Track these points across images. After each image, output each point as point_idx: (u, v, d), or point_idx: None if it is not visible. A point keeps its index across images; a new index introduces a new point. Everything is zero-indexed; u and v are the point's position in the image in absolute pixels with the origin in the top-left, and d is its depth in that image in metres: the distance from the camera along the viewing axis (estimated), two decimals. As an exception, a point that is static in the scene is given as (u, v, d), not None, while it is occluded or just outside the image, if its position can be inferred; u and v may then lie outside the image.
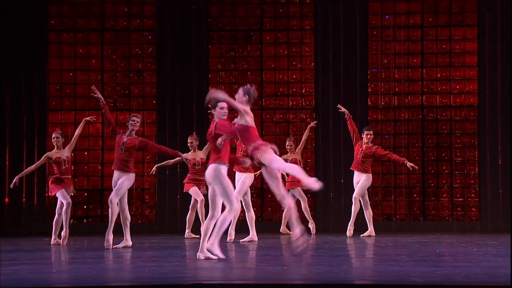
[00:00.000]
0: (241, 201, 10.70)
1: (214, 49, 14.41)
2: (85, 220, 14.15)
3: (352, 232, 11.77)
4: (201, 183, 11.78)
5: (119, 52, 14.33)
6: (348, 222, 11.82)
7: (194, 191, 11.90)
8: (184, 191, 12.14)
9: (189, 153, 12.09)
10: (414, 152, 14.12)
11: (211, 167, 8.07)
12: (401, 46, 14.17)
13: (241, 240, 10.86)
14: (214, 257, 8.06)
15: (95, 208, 14.21)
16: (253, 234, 10.88)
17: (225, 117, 8.36)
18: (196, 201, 11.93)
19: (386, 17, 14.25)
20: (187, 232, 12.10)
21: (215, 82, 14.38)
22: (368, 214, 11.84)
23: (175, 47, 14.22)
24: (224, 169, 8.06)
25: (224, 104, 8.26)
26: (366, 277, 7.08)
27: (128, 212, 10.19)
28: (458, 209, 13.94)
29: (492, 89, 13.89)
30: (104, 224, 13.98)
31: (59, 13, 14.25)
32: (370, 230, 11.81)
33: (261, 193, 14.25)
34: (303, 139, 12.84)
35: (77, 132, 11.37)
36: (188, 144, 12.11)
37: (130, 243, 10.18)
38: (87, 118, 11.53)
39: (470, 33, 14.09)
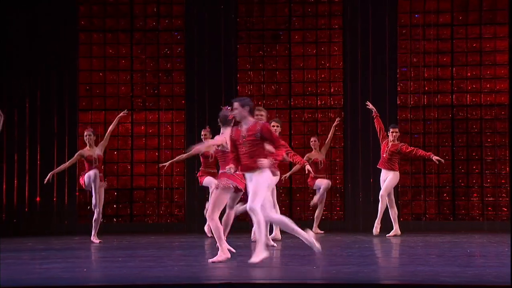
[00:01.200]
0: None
1: (242, 48, 14.42)
2: (114, 220, 14.24)
3: (378, 230, 11.72)
4: (215, 175, 11.80)
5: (148, 52, 14.40)
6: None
7: (208, 181, 11.74)
8: (200, 184, 12.02)
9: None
10: (444, 152, 14.00)
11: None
12: (430, 44, 14.07)
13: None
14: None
15: (124, 208, 14.29)
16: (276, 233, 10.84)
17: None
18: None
19: (416, 15, 14.16)
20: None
21: (243, 82, 14.39)
22: (394, 213, 11.78)
23: (204, 47, 14.25)
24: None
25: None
26: (396, 277, 7.05)
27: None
28: (489, 208, 13.81)
29: (523, 88, 13.74)
30: (134, 223, 14.12)
31: (89, 13, 14.36)
32: (396, 229, 11.76)
33: (289, 192, 14.23)
34: (328, 138, 12.83)
35: (110, 128, 11.45)
36: (202, 137, 12.03)
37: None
38: (121, 114, 11.56)
39: (501, 31, 13.95)
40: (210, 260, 7.90)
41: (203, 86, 14.23)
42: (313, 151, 12.74)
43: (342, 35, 14.26)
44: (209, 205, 8.33)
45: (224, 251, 7.97)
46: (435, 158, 11.32)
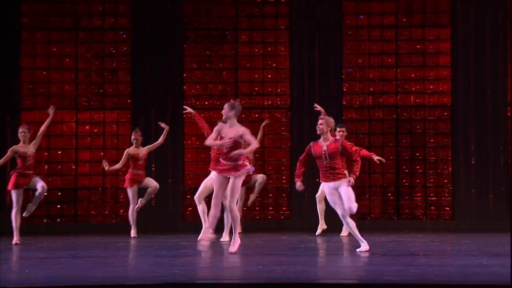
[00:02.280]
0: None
1: (189, 48, 14.37)
2: (58, 220, 14.05)
3: (322, 230, 11.81)
4: (142, 178, 12.04)
5: (93, 51, 14.24)
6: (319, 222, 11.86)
7: (133, 191, 11.99)
8: (124, 186, 12.20)
9: (132, 147, 12.18)
10: (389, 152, 14.18)
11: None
12: (375, 46, 14.23)
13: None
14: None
15: (68, 208, 14.11)
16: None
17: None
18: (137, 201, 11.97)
19: (361, 17, 14.31)
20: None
21: (190, 81, 14.34)
22: (321, 208, 11.85)
23: (150, 46, 14.16)
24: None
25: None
26: (340, 276, 7.10)
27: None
28: (432, 208, 14.03)
29: (465, 89, 14.00)
30: (78, 224, 13.94)
31: (32, 11, 14.13)
32: (322, 223, 11.86)
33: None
34: (257, 139, 12.81)
35: (42, 128, 11.25)
36: (133, 140, 12.18)
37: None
38: (51, 114, 11.28)
39: (444, 33, 14.19)
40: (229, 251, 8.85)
41: (149, 85, 14.14)
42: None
43: (289, 36, 14.33)
44: (228, 195, 8.96)
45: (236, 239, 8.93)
46: (376, 158, 11.41)
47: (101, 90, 14.26)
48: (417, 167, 14.17)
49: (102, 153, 14.14)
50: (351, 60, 14.24)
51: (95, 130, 14.22)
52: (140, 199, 12.05)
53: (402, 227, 13.61)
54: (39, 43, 14.14)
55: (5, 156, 11.03)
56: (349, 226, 9.16)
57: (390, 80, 14.23)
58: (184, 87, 14.33)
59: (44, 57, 14.17)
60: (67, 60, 14.22)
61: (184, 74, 14.33)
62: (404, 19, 14.24)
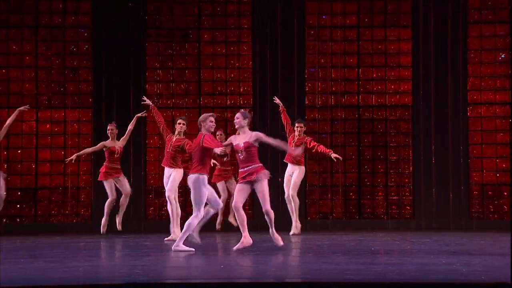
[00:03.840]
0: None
1: (151, 47, 14.30)
2: (18, 220, 13.88)
3: (299, 229, 11.81)
4: (119, 172, 11.85)
5: (53, 49, 14.10)
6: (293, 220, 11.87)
7: (109, 184, 11.88)
8: (99, 179, 12.11)
9: (108, 141, 12.08)
10: (351, 151, 14.27)
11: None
12: (337, 46, 14.31)
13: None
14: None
15: (28, 207, 13.95)
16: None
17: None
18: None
19: (323, 17, 14.37)
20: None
21: (152, 81, 14.28)
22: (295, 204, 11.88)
23: (112, 45, 14.06)
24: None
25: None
26: (301, 275, 7.12)
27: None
28: (393, 207, 14.14)
29: (426, 89, 14.15)
30: (38, 224, 13.79)
31: (-8, 8, 13.96)
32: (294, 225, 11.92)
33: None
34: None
35: (8, 122, 11.23)
36: (108, 132, 12.04)
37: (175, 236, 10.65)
38: (21, 108, 11.43)
39: (405, 33, 14.32)
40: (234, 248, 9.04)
41: (110, 84, 14.05)
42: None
43: (251, 35, 14.33)
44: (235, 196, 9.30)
45: (246, 238, 9.19)
46: (333, 155, 11.45)
47: (61, 89, 14.13)
48: (379, 166, 14.28)
49: (62, 152, 14.01)
50: (314, 60, 14.30)
51: (56, 129, 14.09)
52: (117, 217, 11.93)
53: (364, 226, 13.70)
54: (-2, 40, 13.96)
55: None
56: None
57: (352, 80, 14.32)
58: (147, 86, 14.26)
59: (3, 55, 13.99)
60: (27, 58, 14.06)
61: (147, 73, 14.26)
62: (366, 19, 14.34)
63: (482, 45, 14.16)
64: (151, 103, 11.37)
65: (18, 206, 13.90)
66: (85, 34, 14.17)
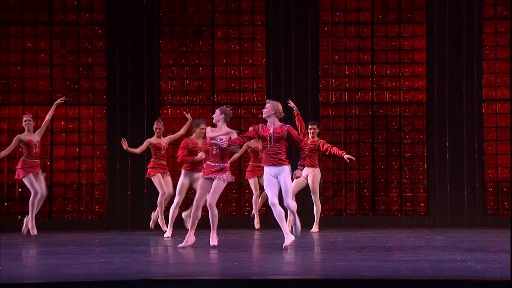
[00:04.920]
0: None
1: (165, 44, 14.32)
2: (19, 217, 13.90)
3: (317, 228, 11.87)
4: (165, 168, 11.79)
5: (68, 46, 14.15)
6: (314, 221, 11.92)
7: (158, 179, 11.75)
8: (147, 176, 11.94)
9: (153, 137, 11.91)
10: (364, 148, 14.24)
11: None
12: (351, 42, 14.28)
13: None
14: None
15: (43, 204, 13.88)
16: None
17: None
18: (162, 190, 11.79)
19: (337, 13, 14.34)
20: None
21: (166, 78, 14.30)
22: (316, 209, 11.89)
23: (126, 42, 14.09)
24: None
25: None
26: (316, 272, 7.12)
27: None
28: (407, 204, 14.10)
29: (440, 86, 14.09)
30: (53, 220, 13.84)
31: (6, 6, 14.00)
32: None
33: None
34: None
35: (47, 117, 11.33)
36: (155, 130, 11.86)
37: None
38: (58, 101, 11.51)
39: (419, 30, 14.26)
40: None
41: (125, 81, 14.08)
42: (252, 140, 12.73)
43: (265, 32, 14.32)
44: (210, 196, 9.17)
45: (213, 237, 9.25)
46: (346, 156, 11.45)
47: (76, 86, 14.18)
48: (393, 163, 14.24)
49: (77, 149, 14.07)
50: (327, 56, 14.27)
51: (70, 126, 14.14)
52: (152, 213, 11.86)
53: (378, 223, 13.67)
54: (13, 37, 14.01)
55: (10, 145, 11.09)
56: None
57: (366, 76, 14.28)
58: (161, 83, 14.28)
59: (18, 52, 14.05)
60: (42, 55, 14.11)
61: (160, 70, 14.28)
62: (380, 16, 14.29)
63: (497, 41, 14.08)
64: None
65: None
66: (99, 31, 14.20)
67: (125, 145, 11.84)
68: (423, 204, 14.14)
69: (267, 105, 9.05)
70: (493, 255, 8.33)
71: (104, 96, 14.19)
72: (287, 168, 8.93)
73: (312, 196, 11.84)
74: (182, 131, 12.06)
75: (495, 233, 11.62)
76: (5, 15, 14.01)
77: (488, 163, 14.00)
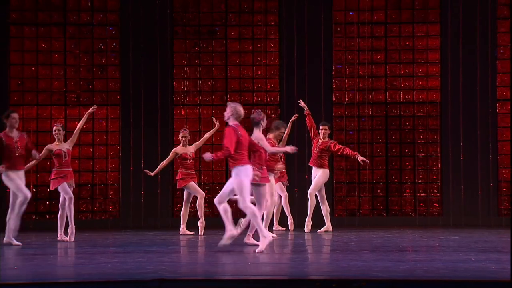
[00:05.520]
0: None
1: (178, 44, 14.35)
2: (47, 216, 13.98)
3: (310, 228, 11.81)
4: (194, 177, 11.72)
5: (82, 47, 14.20)
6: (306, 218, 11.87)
7: (192, 187, 11.63)
8: (178, 187, 11.84)
9: (179, 147, 11.77)
10: (378, 148, 14.21)
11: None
12: (365, 42, 14.25)
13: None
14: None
15: (57, 204, 13.97)
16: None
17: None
18: (190, 195, 11.69)
19: (350, 13, 14.32)
20: (182, 228, 11.83)
21: (179, 78, 14.32)
22: (325, 209, 11.85)
23: (139, 42, 14.13)
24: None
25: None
26: (328, 272, 7.11)
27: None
28: (421, 204, 14.06)
29: (454, 86, 14.04)
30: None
31: (20, 6, 14.07)
32: (328, 225, 11.86)
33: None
34: (285, 133, 12.75)
35: (79, 125, 11.26)
36: (181, 138, 11.78)
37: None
38: (90, 111, 11.41)
39: (433, 30, 14.22)
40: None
41: (138, 81, 14.12)
42: None
43: (278, 32, 14.32)
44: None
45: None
46: (360, 158, 11.42)
47: (90, 86, 14.23)
48: (406, 163, 14.20)
49: (91, 149, 14.12)
50: (341, 56, 14.25)
51: (85, 126, 14.08)
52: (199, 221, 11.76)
53: (391, 223, 13.64)
54: (27, 38, 14.08)
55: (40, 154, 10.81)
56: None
57: (380, 76, 14.25)
58: (174, 83, 14.31)
59: (32, 52, 14.11)
60: (56, 55, 14.17)
61: (174, 70, 14.31)
62: (394, 16, 14.26)
63: (511, 40, 14.01)
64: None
65: (47, 203, 14.02)
66: (113, 32, 14.24)
67: (149, 173, 11.74)
68: (437, 204, 14.09)
69: (226, 108, 9.04)
70: (507, 255, 8.28)
71: (118, 97, 14.23)
72: (240, 169, 8.79)
73: (310, 190, 11.76)
74: (208, 135, 11.97)
75: (509, 233, 11.56)
76: (20, 16, 14.08)
77: (502, 163, 13.93)
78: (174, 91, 14.28)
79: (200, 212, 11.62)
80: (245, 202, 8.68)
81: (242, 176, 8.72)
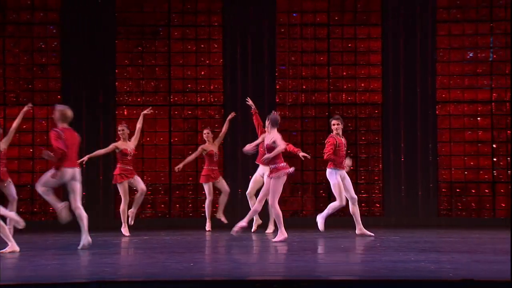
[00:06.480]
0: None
1: (121, 44, 14.21)
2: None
3: (256, 227, 11.86)
4: (132, 174, 11.61)
5: (22, 46, 13.95)
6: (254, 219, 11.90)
7: (133, 182, 11.55)
8: (113, 182, 11.75)
9: (120, 142, 11.62)
10: (321, 149, 14.26)
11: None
12: (308, 43, 14.33)
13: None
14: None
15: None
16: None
17: None
18: (126, 191, 11.59)
19: (294, 14, 14.39)
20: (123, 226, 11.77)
21: (122, 78, 14.19)
22: (253, 204, 11.89)
23: (81, 42, 13.95)
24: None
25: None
26: (270, 272, 7.12)
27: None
28: (363, 204, 14.19)
29: (395, 87, 14.22)
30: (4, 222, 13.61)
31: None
32: (272, 226, 11.94)
33: (169, 189, 14.15)
34: (222, 132, 12.82)
35: (14, 124, 11.06)
36: (119, 133, 11.68)
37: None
38: (24, 109, 11.15)
39: (374, 32, 14.38)
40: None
41: (80, 81, 13.94)
42: (207, 143, 12.69)
43: (222, 33, 14.30)
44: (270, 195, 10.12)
45: (282, 232, 10.12)
46: (301, 154, 11.53)
47: (30, 86, 13.99)
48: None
49: (31, 150, 13.89)
50: (284, 57, 14.31)
51: (24, 127, 13.93)
52: (130, 210, 11.69)
53: (334, 224, 13.73)
54: (-35, 37, 13.78)
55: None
56: None
57: (322, 78, 14.35)
58: (116, 83, 14.17)
59: (-30, 51, 13.82)
60: (-6, 54, 13.90)
61: (116, 70, 14.17)
62: (336, 17, 14.37)
63: (450, 43, 14.27)
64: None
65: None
66: (54, 31, 14.04)
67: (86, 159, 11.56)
68: (378, 205, 14.25)
69: (54, 112, 9.43)
70: (446, 255, 8.42)
71: (59, 96, 14.03)
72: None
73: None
74: (139, 124, 11.81)
75: (448, 233, 11.77)
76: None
77: (442, 164, 14.17)
78: (116, 91, 14.15)
79: (136, 205, 11.59)
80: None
81: None
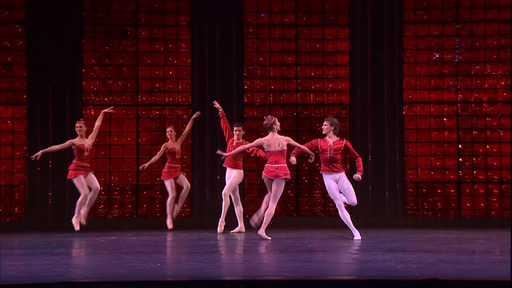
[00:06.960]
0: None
1: (88, 43, 14.11)
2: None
3: (223, 228, 11.86)
4: (88, 170, 11.63)
5: (-14, 45, 13.80)
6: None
7: (88, 179, 11.63)
8: (68, 177, 11.80)
9: (77, 138, 11.74)
10: (289, 149, 14.30)
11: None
12: (276, 44, 14.35)
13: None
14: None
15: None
16: (241, 226, 11.86)
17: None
18: (83, 184, 11.63)
19: (262, 15, 14.40)
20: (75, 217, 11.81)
21: (89, 77, 14.09)
22: (239, 210, 11.94)
23: (47, 41, 13.81)
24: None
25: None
26: (239, 272, 7.13)
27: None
28: (330, 205, 14.23)
29: (363, 88, 14.30)
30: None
31: None
32: (240, 226, 11.93)
33: (136, 189, 14.08)
34: (185, 130, 12.82)
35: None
36: (77, 130, 11.74)
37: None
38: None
39: (342, 32, 14.44)
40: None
41: (46, 81, 13.81)
42: (169, 141, 12.69)
43: (190, 33, 14.27)
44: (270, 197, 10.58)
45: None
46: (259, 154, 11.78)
47: (-5, 85, 13.83)
48: (316, 164, 14.36)
49: (-4, 150, 13.73)
50: (252, 57, 14.32)
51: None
52: (82, 210, 11.71)
53: (302, 224, 13.78)
54: None
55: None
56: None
57: (291, 78, 14.39)
58: (83, 83, 14.07)
59: None
60: (-42, 53, 13.72)
61: (83, 70, 14.06)
62: (304, 18, 14.42)
63: (417, 44, 14.38)
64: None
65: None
66: (19, 30, 13.89)
67: (39, 154, 11.61)
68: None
69: None
70: (412, 255, 8.49)
71: (24, 96, 13.89)
72: None
73: (224, 190, 11.87)
74: (98, 122, 12.12)
75: (414, 233, 11.87)
76: None
77: (409, 164, 14.27)
78: (83, 90, 14.04)
79: (89, 204, 11.64)
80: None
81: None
